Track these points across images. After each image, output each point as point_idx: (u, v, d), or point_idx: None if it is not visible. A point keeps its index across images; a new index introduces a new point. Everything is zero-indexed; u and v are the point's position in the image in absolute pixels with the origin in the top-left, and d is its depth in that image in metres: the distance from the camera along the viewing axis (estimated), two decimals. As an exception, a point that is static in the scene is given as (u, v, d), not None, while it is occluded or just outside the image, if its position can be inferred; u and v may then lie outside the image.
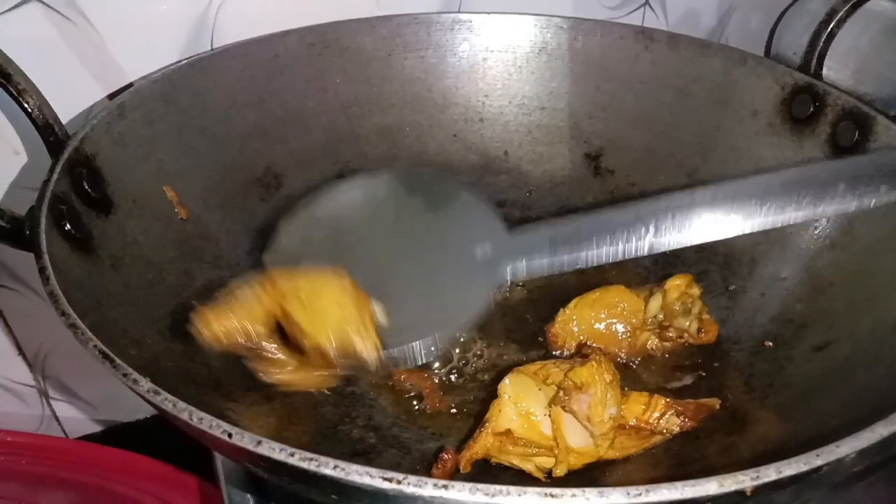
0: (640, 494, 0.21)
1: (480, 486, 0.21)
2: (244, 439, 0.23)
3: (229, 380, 0.42)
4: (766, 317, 0.47)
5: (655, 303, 0.46)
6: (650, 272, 0.53)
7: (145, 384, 0.26)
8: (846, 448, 0.24)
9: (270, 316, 0.37)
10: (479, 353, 0.48)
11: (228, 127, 0.54)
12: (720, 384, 0.45)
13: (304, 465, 0.22)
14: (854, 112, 0.48)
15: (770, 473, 0.22)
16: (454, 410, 0.44)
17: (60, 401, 0.76)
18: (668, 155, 0.58)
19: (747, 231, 0.37)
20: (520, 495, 0.21)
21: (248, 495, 0.44)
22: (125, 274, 0.41)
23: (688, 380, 0.46)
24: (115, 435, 0.79)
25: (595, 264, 0.39)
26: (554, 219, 0.43)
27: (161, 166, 0.48)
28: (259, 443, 0.23)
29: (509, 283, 0.43)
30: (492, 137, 0.63)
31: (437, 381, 0.47)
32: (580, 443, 0.37)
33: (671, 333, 0.46)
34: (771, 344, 0.45)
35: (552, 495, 0.21)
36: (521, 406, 0.38)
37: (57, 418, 0.77)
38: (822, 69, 0.52)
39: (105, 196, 0.43)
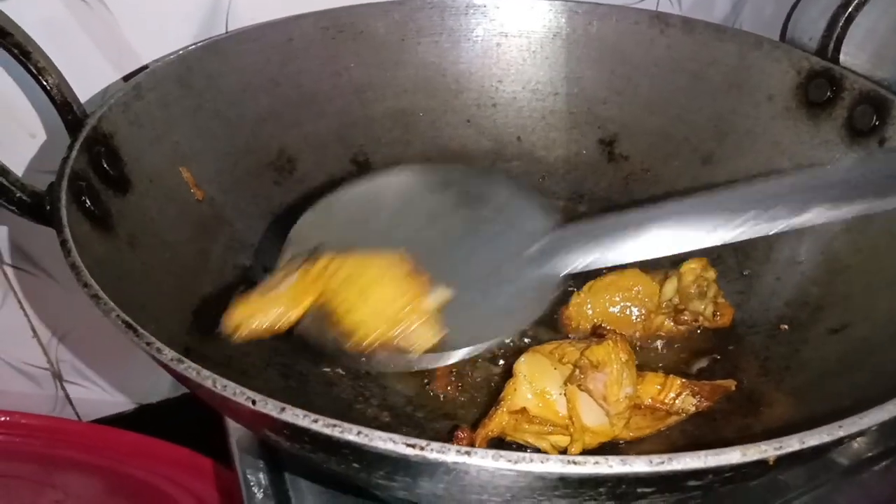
0: (662, 463, 0.21)
1: (504, 452, 0.22)
2: (268, 406, 0.23)
3: (245, 360, 0.42)
4: (781, 300, 0.47)
5: (671, 286, 0.46)
6: (665, 256, 0.53)
7: (169, 353, 0.26)
8: (869, 420, 0.24)
9: (313, 306, 0.36)
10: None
11: (243, 110, 0.54)
12: (735, 367, 0.45)
13: (328, 430, 0.22)
14: (872, 96, 0.48)
15: (793, 443, 0.22)
16: (466, 391, 0.45)
17: (74, 384, 0.77)
18: (682, 140, 0.58)
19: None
20: (542, 462, 0.21)
21: (262, 474, 0.44)
22: (142, 252, 0.41)
23: (703, 363, 0.46)
24: (128, 419, 0.80)
25: (646, 258, 0.38)
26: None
27: (176, 147, 0.48)
28: (283, 409, 0.23)
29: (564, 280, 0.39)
30: (505, 123, 0.63)
31: (450, 367, 0.47)
32: (595, 422, 0.37)
33: (686, 317, 0.46)
34: (787, 327, 0.45)
35: (575, 462, 0.21)
36: (537, 385, 0.38)
37: (70, 401, 0.77)
38: (839, 53, 0.52)
39: (122, 175, 0.43)
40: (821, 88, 0.51)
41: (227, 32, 0.56)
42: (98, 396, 0.77)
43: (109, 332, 0.29)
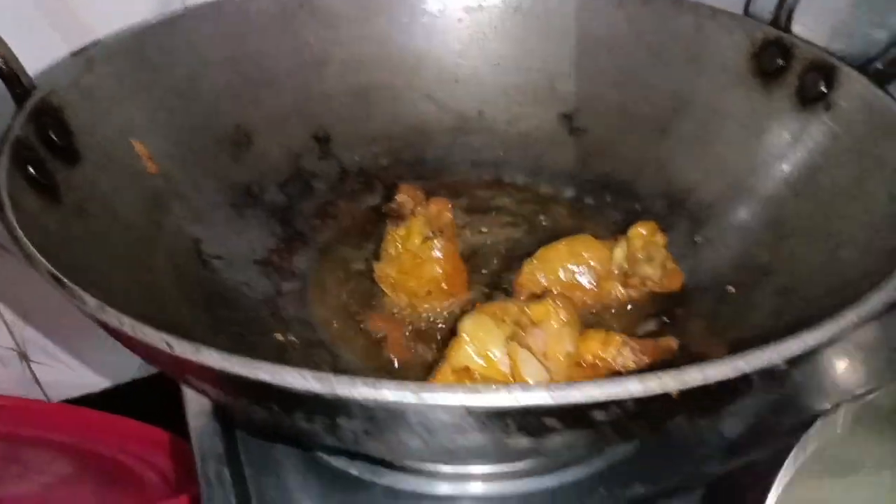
0: (562, 392, 0.22)
1: (408, 383, 0.22)
2: (185, 348, 0.24)
3: (194, 327, 0.42)
4: (730, 265, 0.48)
5: (620, 251, 0.46)
6: (619, 227, 0.54)
7: (91, 301, 0.27)
8: (771, 354, 0.24)
9: None
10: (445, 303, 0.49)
11: (199, 85, 0.54)
12: (683, 329, 0.45)
13: (240, 370, 0.23)
14: (820, 63, 0.48)
15: (695, 376, 0.23)
16: (420, 356, 0.45)
17: (41, 364, 0.77)
18: (641, 112, 0.58)
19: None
20: (445, 391, 0.22)
21: (217, 438, 0.44)
22: (91, 222, 0.41)
23: (652, 326, 0.46)
24: (96, 399, 0.80)
25: None
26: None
27: (130, 121, 0.48)
28: (198, 350, 0.24)
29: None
30: (466, 97, 0.63)
31: (405, 331, 0.48)
32: (537, 379, 0.37)
33: (635, 281, 0.46)
34: (733, 290, 0.46)
35: (477, 391, 0.22)
36: (480, 343, 0.38)
37: (38, 381, 0.77)
38: (790, 22, 0.52)
39: (71, 146, 0.43)
40: (773, 57, 0.51)
41: (184, 8, 0.56)
42: (65, 377, 0.77)
43: (75, 310, 0.30)
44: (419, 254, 0.47)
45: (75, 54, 0.46)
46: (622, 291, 0.47)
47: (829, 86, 0.47)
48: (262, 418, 0.28)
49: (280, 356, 0.44)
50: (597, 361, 0.38)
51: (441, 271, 0.48)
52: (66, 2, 0.53)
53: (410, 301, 0.48)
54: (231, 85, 0.56)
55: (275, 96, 0.58)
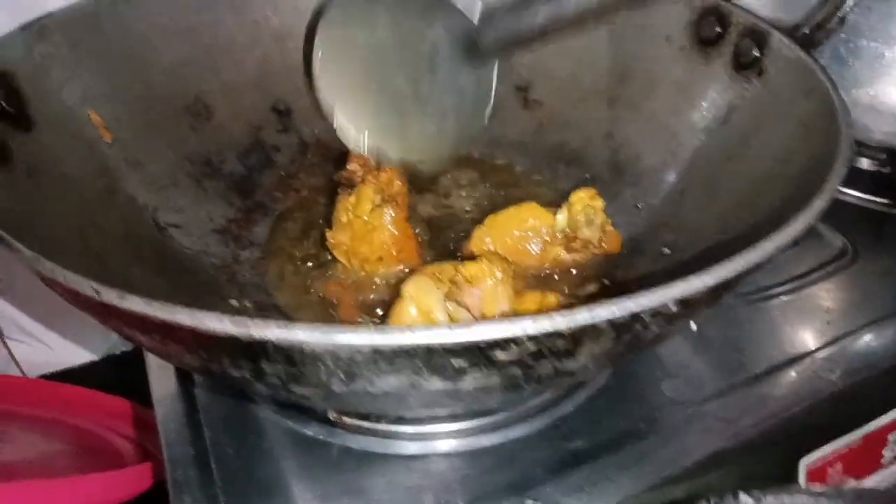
0: (460, 330, 0.23)
1: (319, 325, 0.24)
2: (111, 295, 0.25)
3: (147, 291, 0.44)
4: (667, 228, 0.50)
5: (562, 216, 0.48)
6: (565, 195, 0.55)
7: (28, 253, 0.28)
8: (656, 297, 0.26)
9: None
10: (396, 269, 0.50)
11: (156, 56, 0.55)
12: (622, 291, 0.47)
13: (162, 314, 0.24)
14: (753, 29, 0.50)
15: (584, 315, 0.24)
16: (369, 321, 0.47)
17: (17, 341, 0.78)
18: (590, 83, 0.60)
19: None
20: (354, 332, 0.23)
21: (177, 401, 0.46)
22: (43, 185, 0.42)
23: (592, 288, 0.48)
24: (73, 374, 0.81)
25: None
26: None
27: (86, 90, 0.49)
28: (123, 297, 0.25)
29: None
30: (425, 72, 0.64)
31: (357, 296, 0.49)
32: None
33: (576, 245, 0.48)
34: (668, 251, 0.48)
35: (383, 330, 0.23)
36: (421, 304, 0.40)
37: (14, 359, 0.78)
38: (730, -3, 0.54)
39: (24, 114, 0.44)
40: (711, 26, 0.53)
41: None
42: (42, 354, 0.78)
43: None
44: (370, 220, 0.49)
45: (27, 26, 0.47)
46: (566, 255, 0.49)
47: (762, 51, 0.49)
48: (194, 365, 0.29)
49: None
50: None
51: (391, 238, 0.49)
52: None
53: (363, 267, 0.50)
54: (189, 55, 0.57)
55: (234, 68, 0.59)
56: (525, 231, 0.49)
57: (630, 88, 0.58)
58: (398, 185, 0.50)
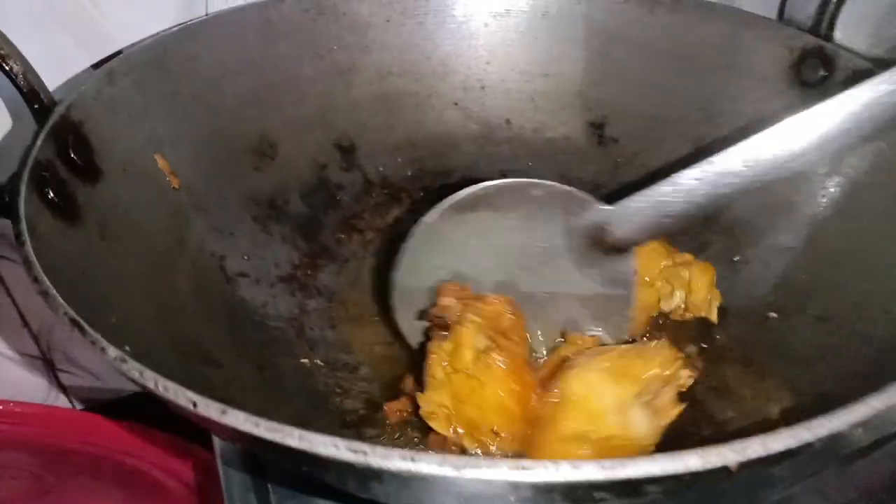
0: (614, 468, 0.20)
1: (450, 457, 0.21)
2: (209, 408, 0.23)
3: (216, 350, 0.41)
4: (769, 287, 0.46)
5: (679, 295, 0.45)
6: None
7: (112, 352, 0.26)
8: (838, 422, 0.23)
9: None
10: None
11: (222, 94, 0.53)
12: (719, 355, 0.44)
13: (269, 435, 0.22)
14: (866, 75, 0.46)
15: (756, 449, 0.21)
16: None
17: (66, 372, 0.77)
18: (672, 122, 0.57)
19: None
20: (489, 467, 0.21)
21: (246, 474, 0.43)
22: (113, 242, 0.40)
23: (690, 349, 0.45)
24: (121, 405, 0.80)
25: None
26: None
27: (152, 134, 0.47)
28: (224, 412, 0.22)
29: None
30: (493, 105, 0.61)
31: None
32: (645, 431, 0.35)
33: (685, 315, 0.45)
34: (776, 315, 0.44)
35: (524, 467, 0.20)
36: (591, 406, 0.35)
37: (64, 388, 0.77)
38: (832, 31, 0.50)
39: (93, 164, 0.42)
40: (814, 68, 0.50)
41: (206, 15, 0.55)
42: (90, 384, 0.77)
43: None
44: (476, 374, 0.37)
45: (96, 66, 0.45)
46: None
47: (876, 100, 0.45)
48: (292, 472, 0.27)
49: (306, 381, 0.43)
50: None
51: (509, 395, 0.36)
52: (85, 13, 0.51)
53: (473, 437, 0.37)
54: (254, 92, 0.55)
55: (299, 104, 0.57)
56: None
57: (718, 130, 0.55)
58: (510, 317, 0.40)
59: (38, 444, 0.69)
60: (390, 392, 0.43)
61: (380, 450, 0.21)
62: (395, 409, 0.40)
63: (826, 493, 0.42)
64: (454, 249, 0.43)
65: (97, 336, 0.26)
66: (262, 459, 0.41)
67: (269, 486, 0.41)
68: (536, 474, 0.20)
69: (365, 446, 0.21)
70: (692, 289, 0.43)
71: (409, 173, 0.60)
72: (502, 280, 0.43)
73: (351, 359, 0.46)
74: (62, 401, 0.78)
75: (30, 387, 0.73)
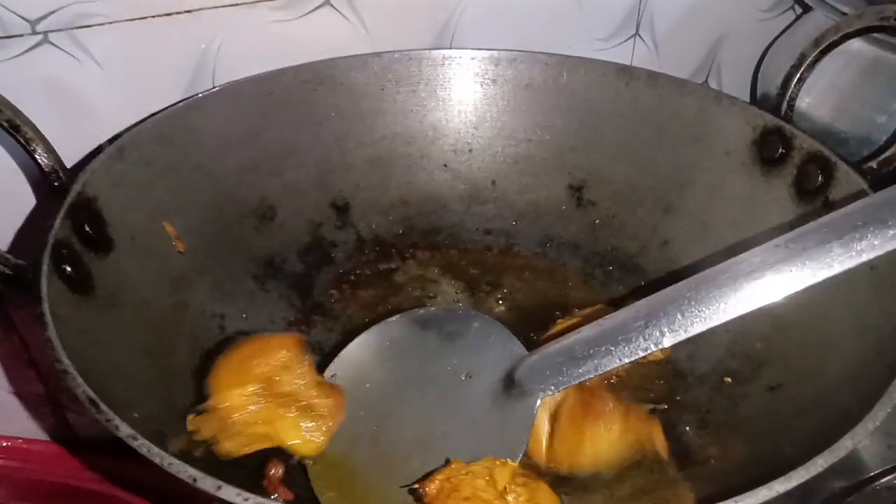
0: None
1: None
2: (206, 483, 0.26)
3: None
4: (728, 353, 0.50)
5: None
6: (624, 300, 0.56)
7: (125, 430, 0.29)
8: (761, 495, 0.26)
9: None
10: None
11: (223, 162, 0.56)
12: (678, 418, 0.47)
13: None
14: (818, 156, 0.50)
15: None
16: None
17: (73, 411, 0.79)
18: (647, 189, 0.61)
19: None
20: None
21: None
22: (120, 311, 0.44)
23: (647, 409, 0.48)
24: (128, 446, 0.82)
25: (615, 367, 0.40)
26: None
27: (159, 204, 0.51)
28: (219, 487, 0.26)
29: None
30: (480, 168, 0.65)
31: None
32: None
33: None
34: (730, 380, 0.48)
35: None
36: None
37: (70, 426, 0.80)
38: (792, 111, 0.54)
39: (105, 236, 0.46)
40: (773, 146, 0.53)
41: (212, 88, 0.59)
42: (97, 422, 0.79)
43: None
44: None
45: (108, 145, 0.49)
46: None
47: (827, 180, 0.49)
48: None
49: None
50: None
51: None
52: (102, 85, 0.55)
53: None
54: (254, 159, 0.59)
55: (296, 168, 0.61)
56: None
57: (687, 197, 0.58)
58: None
59: (43, 483, 0.72)
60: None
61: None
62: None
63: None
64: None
65: (112, 414, 0.30)
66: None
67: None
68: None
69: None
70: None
71: (400, 231, 0.64)
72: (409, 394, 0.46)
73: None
74: (69, 437, 0.80)
75: (36, 425, 0.76)
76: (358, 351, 0.49)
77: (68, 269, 0.41)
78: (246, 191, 0.58)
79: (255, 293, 0.56)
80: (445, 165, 0.65)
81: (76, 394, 0.31)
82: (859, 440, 0.29)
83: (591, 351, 0.40)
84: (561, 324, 0.50)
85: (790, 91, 0.54)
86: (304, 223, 0.61)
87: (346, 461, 0.42)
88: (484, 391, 0.44)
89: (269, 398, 0.40)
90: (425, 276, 0.61)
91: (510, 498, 0.37)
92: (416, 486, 0.38)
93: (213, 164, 0.56)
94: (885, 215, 0.34)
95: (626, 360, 0.39)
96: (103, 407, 0.30)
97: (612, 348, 0.39)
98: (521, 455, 0.42)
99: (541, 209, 0.64)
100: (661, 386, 0.49)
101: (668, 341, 0.38)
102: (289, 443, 0.40)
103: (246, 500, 0.25)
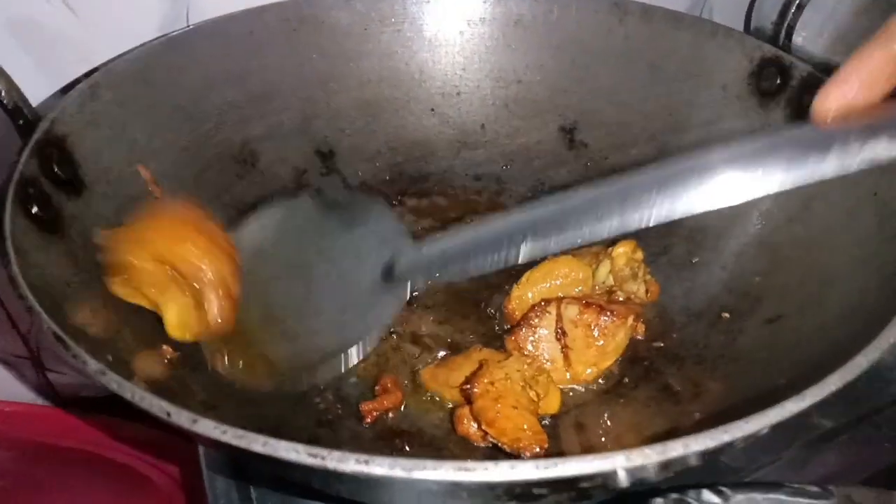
0: (548, 468, 0.22)
1: (401, 461, 0.23)
2: (181, 417, 0.25)
3: (198, 352, 0.43)
4: (725, 289, 0.48)
5: (604, 269, 0.47)
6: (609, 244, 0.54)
7: (93, 365, 0.28)
8: (753, 425, 0.25)
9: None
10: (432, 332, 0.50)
11: (204, 104, 0.54)
12: (675, 355, 0.46)
13: (236, 442, 0.24)
14: (817, 83, 0.48)
15: (677, 448, 0.24)
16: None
17: (55, 371, 0.78)
18: (640, 128, 0.59)
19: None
20: (435, 469, 0.23)
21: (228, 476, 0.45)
22: (96, 253, 0.42)
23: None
24: (109, 403, 0.81)
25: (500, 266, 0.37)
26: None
27: (135, 145, 0.49)
28: (195, 421, 0.24)
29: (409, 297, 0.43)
30: (469, 111, 0.63)
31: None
32: None
33: (620, 297, 0.47)
34: (728, 316, 0.46)
35: (466, 468, 0.22)
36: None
37: (53, 386, 0.79)
38: (790, 41, 0.52)
39: (76, 177, 0.44)
40: (771, 77, 0.51)
41: (187, 26, 0.57)
42: (79, 382, 0.78)
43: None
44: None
45: (78, 81, 0.46)
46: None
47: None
48: (263, 472, 0.29)
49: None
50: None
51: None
52: (73, 26, 0.53)
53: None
54: (236, 102, 0.56)
55: (280, 112, 0.59)
56: (564, 285, 0.48)
57: (682, 136, 0.56)
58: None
59: (28, 442, 0.71)
60: (368, 391, 0.45)
61: (336, 454, 0.23)
62: (370, 409, 0.42)
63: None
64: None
65: (80, 351, 0.28)
66: (241, 461, 0.43)
67: (251, 487, 0.43)
68: (477, 475, 0.22)
69: (323, 451, 0.23)
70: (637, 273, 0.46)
71: (388, 177, 0.62)
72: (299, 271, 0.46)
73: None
74: (52, 398, 0.79)
75: (20, 386, 0.74)
76: (259, 225, 0.49)
77: (35, 209, 0.39)
78: (227, 134, 0.56)
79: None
80: (433, 110, 0.63)
81: (44, 332, 0.29)
82: (873, 358, 0.28)
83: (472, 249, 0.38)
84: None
85: (787, 20, 0.52)
86: (287, 169, 0.59)
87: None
88: (368, 274, 0.44)
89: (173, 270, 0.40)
90: (415, 223, 0.60)
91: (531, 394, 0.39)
92: (466, 385, 0.40)
93: (193, 106, 0.54)
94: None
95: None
96: (70, 343, 0.28)
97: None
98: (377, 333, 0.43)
99: (532, 153, 0.62)
100: (656, 324, 0.48)
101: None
102: (165, 318, 0.40)
103: (224, 432, 0.24)
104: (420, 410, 0.44)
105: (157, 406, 0.25)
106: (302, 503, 0.39)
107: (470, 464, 0.23)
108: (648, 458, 0.23)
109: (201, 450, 0.41)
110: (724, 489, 0.32)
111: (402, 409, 0.43)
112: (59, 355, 0.71)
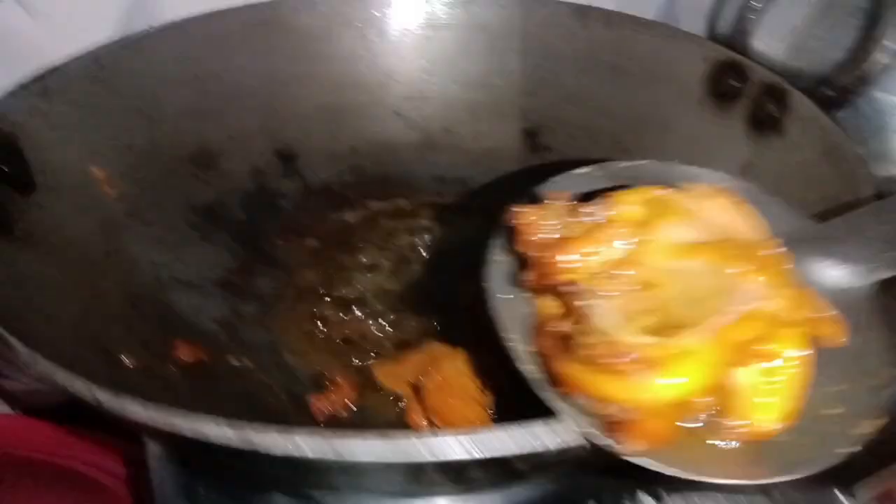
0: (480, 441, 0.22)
1: (324, 431, 0.22)
2: (110, 401, 0.24)
3: (149, 354, 0.42)
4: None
5: None
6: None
7: (24, 351, 0.27)
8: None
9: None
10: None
11: (162, 106, 0.54)
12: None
13: (162, 421, 0.23)
14: (773, 87, 0.49)
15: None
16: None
17: (5, 377, 0.76)
18: (602, 131, 0.59)
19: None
20: (361, 441, 0.22)
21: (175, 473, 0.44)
22: (44, 253, 0.41)
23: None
24: (62, 410, 0.79)
25: None
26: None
27: (89, 146, 0.48)
28: (122, 403, 0.24)
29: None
30: (433, 115, 0.63)
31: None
32: None
33: None
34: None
35: (391, 439, 0.22)
36: None
37: (4, 394, 0.76)
38: (747, 44, 0.53)
39: (25, 175, 0.43)
40: (728, 80, 0.52)
41: (147, 28, 0.56)
42: (31, 388, 0.76)
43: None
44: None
45: (29, 84, 0.46)
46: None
47: (781, 110, 0.48)
48: (198, 459, 0.28)
49: (237, 382, 0.45)
50: None
51: None
52: (27, 26, 0.52)
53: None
54: (195, 104, 0.56)
55: (239, 115, 0.58)
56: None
57: (645, 139, 0.57)
58: None
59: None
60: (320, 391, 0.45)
61: (257, 425, 0.22)
62: (321, 406, 0.42)
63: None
64: None
65: (23, 347, 0.27)
66: (189, 458, 0.42)
67: (200, 483, 0.42)
68: (400, 454, 0.22)
69: (246, 426, 0.22)
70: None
71: (350, 180, 0.62)
72: None
73: (282, 360, 0.47)
74: (3, 408, 0.77)
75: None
76: None
77: (-20, 203, 0.38)
78: (185, 136, 0.55)
79: (195, 242, 0.53)
80: (397, 113, 0.63)
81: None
82: None
83: None
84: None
85: (746, 24, 0.53)
86: (247, 172, 0.59)
87: None
88: None
89: None
90: (379, 225, 0.59)
91: None
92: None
93: (150, 108, 0.53)
94: None
95: None
96: (12, 341, 0.28)
97: None
98: None
99: (495, 156, 0.62)
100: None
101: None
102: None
103: (149, 410, 0.23)
104: (373, 407, 0.43)
105: (87, 391, 0.25)
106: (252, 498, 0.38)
107: (393, 431, 0.22)
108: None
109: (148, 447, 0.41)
110: (660, 491, 0.31)
111: (356, 408, 0.43)
112: (10, 361, 0.70)
